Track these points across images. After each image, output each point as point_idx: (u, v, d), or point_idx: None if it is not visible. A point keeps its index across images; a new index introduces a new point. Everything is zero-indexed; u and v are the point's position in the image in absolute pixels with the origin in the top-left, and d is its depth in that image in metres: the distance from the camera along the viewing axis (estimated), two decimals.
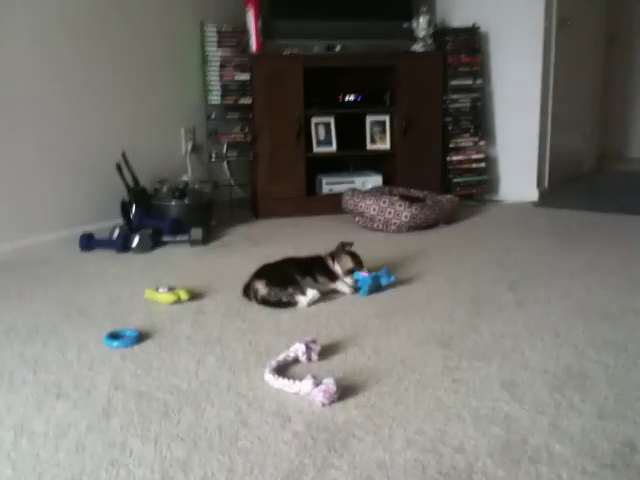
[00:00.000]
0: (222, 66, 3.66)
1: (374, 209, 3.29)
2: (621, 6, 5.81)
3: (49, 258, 2.90)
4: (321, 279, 2.34)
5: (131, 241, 2.99)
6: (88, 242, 3.02)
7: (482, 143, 4.08)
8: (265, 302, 2.21)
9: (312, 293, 2.22)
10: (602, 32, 5.31)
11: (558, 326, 2.00)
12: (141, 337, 1.94)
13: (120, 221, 3.20)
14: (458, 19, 4.10)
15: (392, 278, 2.37)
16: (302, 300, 2.21)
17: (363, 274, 2.34)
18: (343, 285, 2.35)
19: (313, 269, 2.35)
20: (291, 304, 2.20)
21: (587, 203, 3.94)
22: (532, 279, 2.49)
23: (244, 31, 3.69)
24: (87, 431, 1.42)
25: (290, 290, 2.21)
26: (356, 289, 2.34)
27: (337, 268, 2.37)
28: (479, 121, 4.06)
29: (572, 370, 1.69)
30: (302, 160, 3.76)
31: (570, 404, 1.51)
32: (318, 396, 1.52)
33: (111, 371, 1.73)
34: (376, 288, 2.34)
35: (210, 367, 1.75)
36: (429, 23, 3.91)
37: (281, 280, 2.24)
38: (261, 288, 2.22)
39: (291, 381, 1.59)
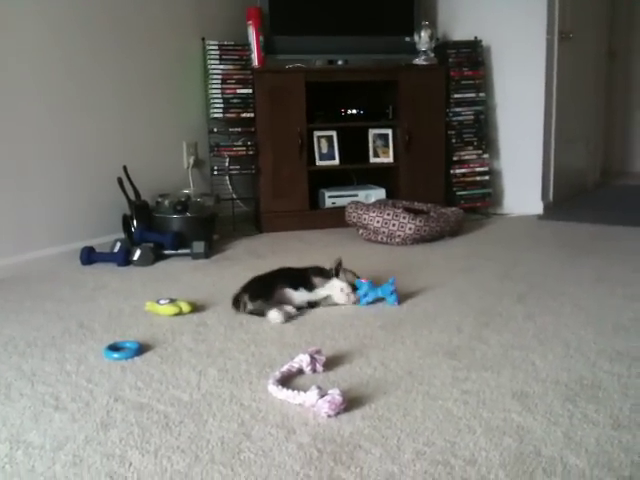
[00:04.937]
0: (224, 81, 3.65)
1: (378, 221, 3.26)
2: (621, 22, 5.83)
3: (49, 272, 2.87)
4: (316, 288, 2.30)
5: (132, 255, 2.96)
6: (89, 256, 2.98)
7: (486, 156, 4.05)
8: (252, 313, 2.20)
9: (274, 316, 2.15)
10: (603, 47, 5.31)
11: (569, 337, 1.96)
12: (142, 349, 1.90)
13: (121, 235, 3.18)
14: (460, 33, 4.11)
15: (393, 297, 2.30)
16: (274, 317, 2.16)
17: (362, 280, 2.31)
18: (341, 296, 2.31)
19: (307, 279, 2.32)
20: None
21: (592, 216, 3.90)
22: (540, 290, 2.45)
23: (246, 46, 3.69)
24: (85, 443, 1.37)
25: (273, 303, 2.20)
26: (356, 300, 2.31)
27: (342, 279, 2.33)
28: (482, 134, 4.04)
29: (585, 381, 1.64)
30: (305, 174, 3.74)
31: (584, 415, 1.46)
32: (323, 407, 1.47)
33: (110, 383, 1.68)
34: (375, 300, 2.32)
35: (212, 379, 1.70)
36: (431, 37, 3.91)
37: (265, 293, 2.22)
38: (247, 302, 2.22)
39: (295, 392, 1.54)
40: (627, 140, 6.21)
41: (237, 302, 2.25)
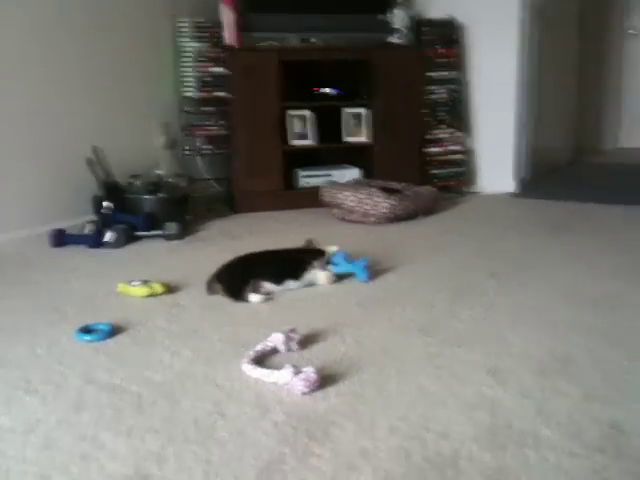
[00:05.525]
0: (196, 59, 3.60)
1: (352, 200, 3.25)
2: None
3: (19, 254, 2.81)
4: (302, 275, 2.28)
5: (104, 236, 2.91)
6: (59, 238, 2.93)
7: (460, 135, 4.06)
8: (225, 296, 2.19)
9: (255, 299, 2.14)
10: (576, 24, 5.33)
11: (541, 312, 1.98)
12: (114, 331, 1.88)
13: (92, 217, 3.13)
14: (434, 11, 4.08)
15: (365, 275, 2.30)
16: (254, 299, 2.14)
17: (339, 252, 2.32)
18: (323, 277, 2.30)
19: (305, 263, 2.28)
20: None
21: (564, 194, 3.94)
22: (513, 267, 2.47)
23: (218, 24, 3.63)
24: (57, 426, 1.36)
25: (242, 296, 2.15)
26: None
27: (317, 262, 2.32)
28: (456, 113, 4.04)
29: (556, 354, 1.66)
30: (279, 154, 3.71)
31: (555, 388, 1.48)
32: (298, 385, 1.47)
33: (82, 365, 1.66)
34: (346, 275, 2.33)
35: (186, 359, 1.69)
36: (405, 15, 3.88)
37: (237, 289, 2.16)
38: (220, 291, 2.19)
39: (270, 371, 1.54)
40: (599, 118, 6.26)
41: (210, 287, 2.23)
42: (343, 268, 2.30)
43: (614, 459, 1.19)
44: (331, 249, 2.34)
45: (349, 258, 2.33)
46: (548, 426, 1.31)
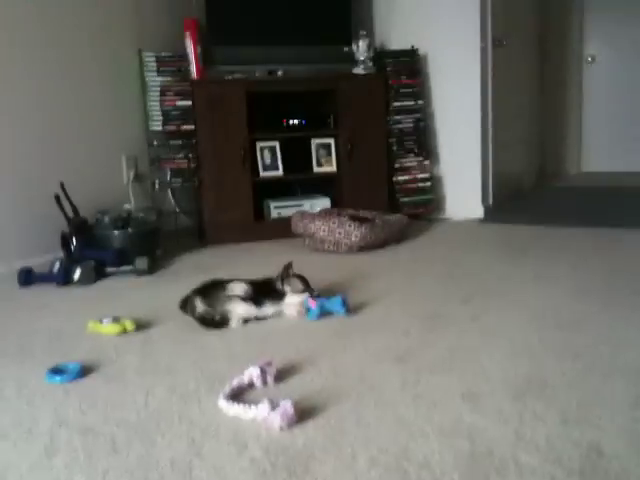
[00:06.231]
0: (163, 93, 3.60)
1: (324, 230, 3.26)
2: (552, 25, 6.02)
3: None
4: (268, 303, 2.27)
5: (73, 274, 2.87)
6: (27, 277, 2.88)
7: (426, 163, 4.11)
8: (201, 319, 2.18)
9: (238, 316, 2.19)
10: (536, 51, 5.48)
11: (513, 336, 1.99)
12: (85, 370, 1.83)
13: (61, 254, 3.08)
14: (397, 42, 4.18)
15: (343, 310, 2.26)
16: (233, 321, 2.18)
17: (311, 304, 2.25)
18: (292, 309, 2.29)
19: (260, 292, 2.28)
20: (224, 324, 2.18)
21: (530, 218, 4.01)
22: (484, 292, 2.49)
23: (184, 57, 3.65)
24: (28, 472, 1.31)
25: (221, 309, 2.18)
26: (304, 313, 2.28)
27: (287, 291, 2.31)
28: (422, 141, 4.10)
29: (532, 378, 1.67)
30: (249, 185, 3.71)
31: (533, 412, 1.48)
32: (275, 420, 1.45)
33: (53, 407, 1.62)
34: (324, 314, 2.27)
35: (160, 398, 1.66)
36: (369, 46, 3.96)
37: (217, 298, 2.20)
38: (199, 305, 2.19)
39: (247, 406, 1.52)
40: (562, 143, 6.40)
41: (186, 304, 2.23)
42: (322, 313, 2.26)
43: None
44: (298, 298, 2.31)
45: (323, 299, 2.29)
46: (528, 452, 1.31)
